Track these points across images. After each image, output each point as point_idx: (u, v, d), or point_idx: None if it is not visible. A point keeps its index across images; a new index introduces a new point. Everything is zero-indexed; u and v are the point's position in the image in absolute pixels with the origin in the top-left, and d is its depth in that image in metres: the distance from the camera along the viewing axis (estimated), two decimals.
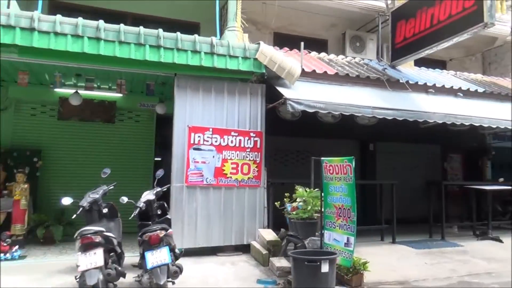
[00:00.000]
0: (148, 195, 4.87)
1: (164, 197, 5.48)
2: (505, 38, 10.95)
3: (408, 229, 8.36)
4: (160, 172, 5.17)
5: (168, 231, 4.37)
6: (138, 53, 5.63)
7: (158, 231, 4.21)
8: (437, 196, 8.34)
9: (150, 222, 4.77)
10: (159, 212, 4.97)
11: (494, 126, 7.50)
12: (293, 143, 8.93)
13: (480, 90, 8.61)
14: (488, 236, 7.90)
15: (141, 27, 5.69)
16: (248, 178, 6.28)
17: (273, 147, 8.66)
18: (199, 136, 6.07)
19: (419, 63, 10.25)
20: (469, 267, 5.88)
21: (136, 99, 7.99)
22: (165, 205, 5.11)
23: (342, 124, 8.15)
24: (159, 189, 5.06)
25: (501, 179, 9.75)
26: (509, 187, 8.94)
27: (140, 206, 4.68)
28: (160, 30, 5.79)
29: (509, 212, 9.39)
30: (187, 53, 5.90)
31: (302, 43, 6.83)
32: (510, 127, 7.69)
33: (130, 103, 8.04)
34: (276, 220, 6.48)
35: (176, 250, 4.65)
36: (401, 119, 6.66)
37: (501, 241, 7.64)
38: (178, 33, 5.90)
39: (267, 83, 6.70)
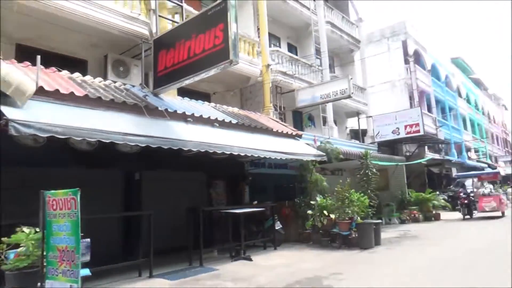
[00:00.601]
0: None
1: None
2: (257, 78, 12.70)
3: (170, 259, 8.22)
4: None
5: None
6: None
7: None
8: (203, 222, 8.52)
9: None
10: None
11: (243, 154, 8.26)
12: (40, 174, 7.52)
13: (234, 121, 9.48)
14: (241, 256, 8.52)
15: None
16: None
17: (11, 181, 7.10)
18: None
19: (186, 94, 10.63)
20: None
21: None
22: None
23: (103, 152, 7.41)
24: None
25: (255, 202, 10.95)
26: (260, 209, 10.10)
27: None
28: None
29: (261, 231, 10.51)
30: None
31: (39, 57, 5.87)
32: (256, 155, 8.68)
33: None
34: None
35: None
36: (155, 146, 6.50)
37: (251, 260, 8.34)
38: None
39: None
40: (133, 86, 8.77)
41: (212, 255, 9.05)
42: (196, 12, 9.79)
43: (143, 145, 6.36)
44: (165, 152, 7.00)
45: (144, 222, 7.57)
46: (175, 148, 6.82)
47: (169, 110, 7.89)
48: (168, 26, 9.71)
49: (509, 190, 22.50)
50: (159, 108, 7.72)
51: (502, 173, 30.59)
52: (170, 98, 9.15)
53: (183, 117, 8.21)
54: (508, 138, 54.20)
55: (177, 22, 9.53)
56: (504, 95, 60.31)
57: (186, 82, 8.17)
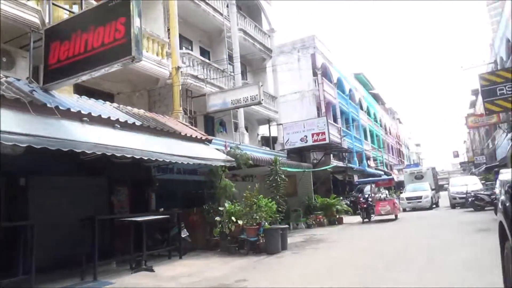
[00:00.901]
0: None
1: None
2: (166, 80, 12.20)
3: (61, 275, 7.34)
4: None
5: None
6: None
7: None
8: (101, 232, 7.79)
9: None
10: None
11: (146, 158, 7.75)
12: None
13: (138, 123, 8.90)
14: (142, 267, 7.93)
15: None
16: None
17: None
18: None
19: (87, 93, 9.75)
20: None
21: None
22: None
23: None
24: None
25: (161, 209, 10.40)
26: (164, 216, 9.58)
27: None
28: None
29: (166, 240, 9.98)
30: None
31: None
32: (160, 159, 8.21)
33: None
34: None
35: None
36: (39, 147, 5.70)
37: (153, 271, 7.81)
38: None
39: None
40: (19, 80, 7.72)
41: (110, 268, 8.31)
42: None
43: (24, 145, 5.54)
44: (58, 155, 6.24)
45: (26, 234, 6.63)
46: (65, 149, 6.08)
47: (60, 107, 7.07)
48: (64, 16, 8.80)
49: (401, 195, 24.83)
50: (49, 105, 6.87)
51: (396, 179, 33.88)
52: (65, 96, 8.26)
53: (78, 117, 7.43)
54: (401, 148, 60.56)
55: (75, 13, 8.68)
56: (398, 110, 67.70)
57: (83, 78, 7.46)
